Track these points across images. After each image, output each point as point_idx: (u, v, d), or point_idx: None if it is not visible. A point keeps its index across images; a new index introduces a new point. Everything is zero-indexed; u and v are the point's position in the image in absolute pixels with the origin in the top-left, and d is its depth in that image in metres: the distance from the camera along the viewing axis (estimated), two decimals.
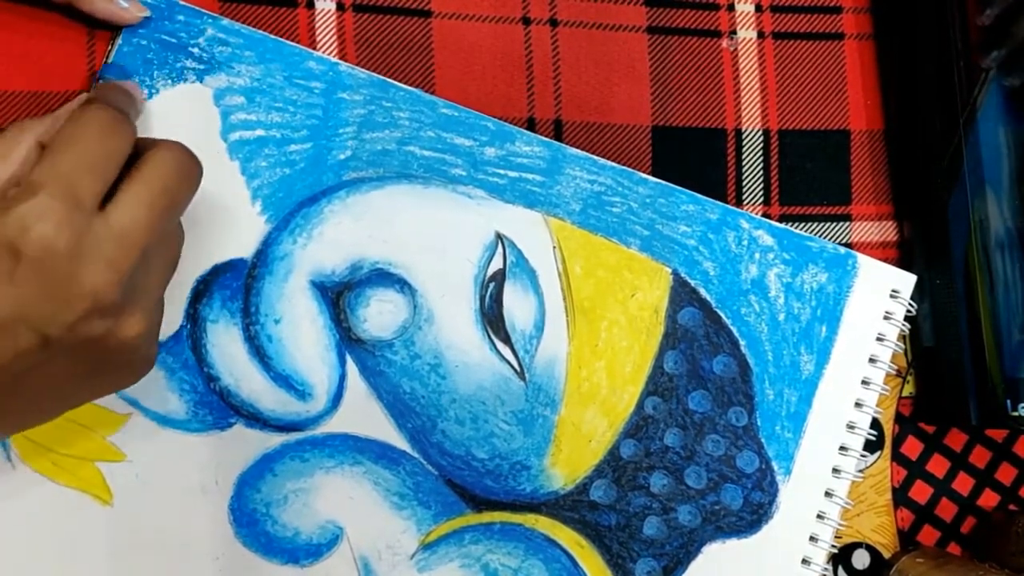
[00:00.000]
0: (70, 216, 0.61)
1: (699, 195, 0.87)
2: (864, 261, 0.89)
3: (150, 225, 0.64)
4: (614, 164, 0.86)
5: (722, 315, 0.87)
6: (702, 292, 0.87)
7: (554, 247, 0.85)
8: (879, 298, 0.89)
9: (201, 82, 0.80)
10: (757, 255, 0.88)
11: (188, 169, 0.68)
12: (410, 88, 0.84)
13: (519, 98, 0.89)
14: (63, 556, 0.78)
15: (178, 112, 0.80)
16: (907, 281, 0.90)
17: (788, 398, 0.87)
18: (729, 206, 0.88)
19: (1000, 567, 0.89)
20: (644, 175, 0.87)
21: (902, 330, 0.90)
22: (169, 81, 0.80)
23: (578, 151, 0.86)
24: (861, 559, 0.93)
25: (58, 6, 0.78)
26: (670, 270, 0.86)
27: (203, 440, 0.80)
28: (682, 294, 0.86)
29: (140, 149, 0.67)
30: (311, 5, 0.85)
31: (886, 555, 0.94)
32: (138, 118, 0.76)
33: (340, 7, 0.85)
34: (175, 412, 0.79)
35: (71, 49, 0.79)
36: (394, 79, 0.84)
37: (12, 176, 0.65)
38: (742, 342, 0.87)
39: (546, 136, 0.88)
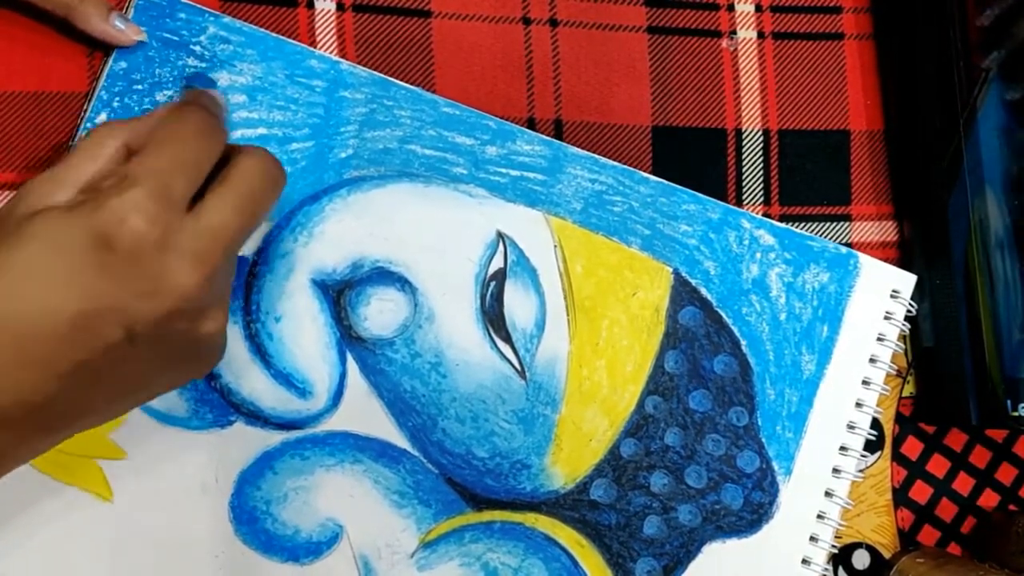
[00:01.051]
0: (163, 212, 0.61)
1: (700, 194, 0.88)
2: (865, 261, 0.89)
3: (237, 228, 0.65)
4: (615, 163, 0.86)
5: (723, 314, 0.87)
6: (703, 291, 0.87)
7: (555, 246, 0.85)
8: (880, 298, 0.89)
9: (203, 80, 0.80)
10: (758, 255, 0.88)
11: (274, 176, 0.68)
12: (411, 87, 0.84)
13: (519, 98, 0.89)
14: (63, 553, 0.77)
15: None
16: (907, 281, 0.90)
17: (789, 398, 0.87)
18: (730, 205, 0.88)
19: (1000, 567, 0.89)
20: (645, 174, 0.87)
21: (902, 330, 0.90)
22: (171, 79, 0.80)
23: (579, 150, 0.86)
24: (861, 559, 0.93)
25: (57, 20, 0.78)
26: (671, 269, 0.86)
27: (203, 438, 0.80)
28: (683, 293, 0.87)
29: (228, 155, 0.68)
30: (311, 5, 0.85)
31: (886, 555, 0.94)
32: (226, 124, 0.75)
33: (340, 7, 0.86)
34: (175, 410, 0.79)
35: (72, 50, 0.79)
36: (394, 79, 0.84)
37: (100, 171, 0.65)
38: (743, 342, 0.87)
39: (546, 136, 0.87)
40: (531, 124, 0.88)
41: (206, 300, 0.64)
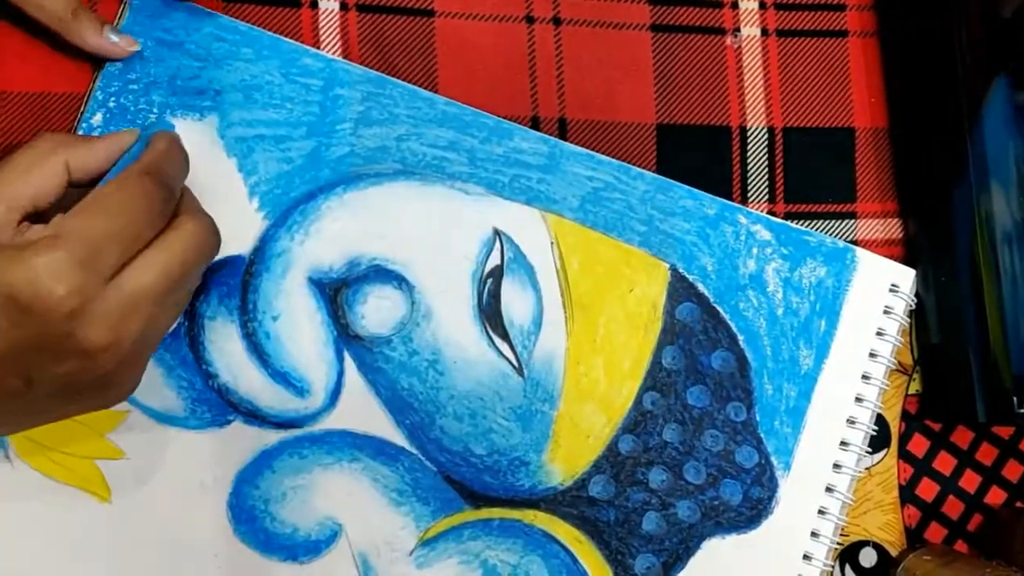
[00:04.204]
0: (84, 282, 0.61)
1: (697, 190, 0.87)
2: (863, 255, 0.89)
3: (159, 297, 0.65)
4: (612, 159, 0.86)
5: (720, 310, 0.87)
6: (700, 287, 0.87)
7: (552, 243, 0.85)
8: (879, 293, 0.89)
9: (198, 80, 0.80)
10: (755, 250, 0.88)
11: (209, 244, 0.69)
12: (408, 84, 0.84)
13: (523, 97, 0.89)
14: (62, 554, 0.78)
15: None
16: (906, 276, 0.89)
17: (787, 393, 0.87)
18: (727, 201, 0.88)
19: (1007, 564, 0.89)
20: (642, 170, 0.87)
21: (903, 325, 0.89)
22: (166, 79, 0.80)
23: (576, 147, 0.86)
24: (868, 557, 0.93)
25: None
26: (668, 265, 0.86)
27: (201, 437, 0.80)
28: (680, 289, 0.86)
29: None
30: (315, 5, 0.85)
31: (893, 553, 0.93)
32: (183, 181, 0.75)
33: (343, 7, 0.86)
34: (173, 409, 0.79)
35: (74, 50, 0.79)
36: (398, 78, 0.84)
37: (32, 199, 0.66)
38: (740, 337, 0.87)
39: (550, 135, 0.87)
40: (535, 123, 0.88)
41: (117, 362, 0.65)
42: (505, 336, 0.83)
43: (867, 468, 0.92)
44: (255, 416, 0.80)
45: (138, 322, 0.64)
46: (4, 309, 0.60)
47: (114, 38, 0.78)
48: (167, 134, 0.72)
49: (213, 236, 0.69)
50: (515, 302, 0.84)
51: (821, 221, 0.94)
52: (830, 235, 0.91)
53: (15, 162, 0.66)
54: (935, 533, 0.95)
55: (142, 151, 0.70)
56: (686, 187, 0.87)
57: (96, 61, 0.80)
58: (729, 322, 0.87)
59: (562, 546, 0.84)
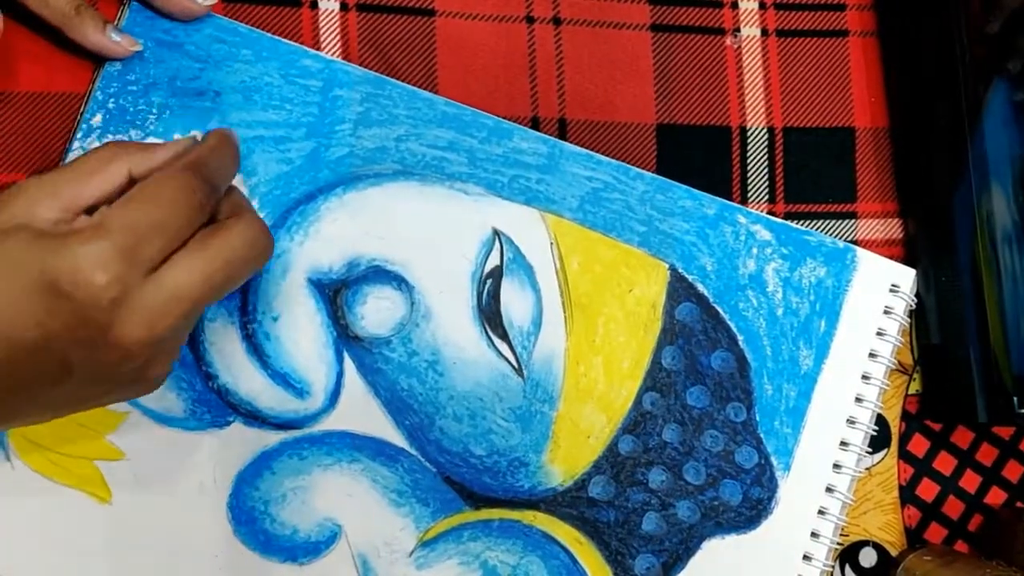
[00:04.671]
0: (125, 272, 0.61)
1: (696, 190, 0.87)
2: (863, 255, 0.89)
3: (200, 296, 0.65)
4: (611, 160, 0.86)
5: (720, 310, 0.87)
6: (700, 287, 0.87)
7: (551, 243, 0.85)
8: (879, 293, 0.89)
9: (198, 81, 0.80)
10: (755, 250, 0.87)
11: (259, 250, 0.69)
12: (407, 85, 0.84)
13: (523, 97, 0.89)
14: (62, 555, 0.78)
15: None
16: (907, 275, 0.89)
17: (787, 393, 0.87)
18: (726, 201, 0.88)
19: (1007, 564, 0.89)
20: (641, 170, 0.87)
21: (903, 325, 0.89)
22: (165, 80, 0.80)
23: (576, 147, 0.86)
24: (868, 557, 0.93)
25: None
26: (667, 265, 0.86)
27: (201, 438, 0.80)
28: (680, 289, 0.86)
29: (224, 211, 0.69)
30: (315, 5, 0.85)
31: (893, 553, 0.93)
32: (231, 180, 0.75)
33: (344, 7, 0.86)
34: (173, 410, 0.79)
35: (74, 49, 0.79)
36: (397, 79, 0.85)
37: (91, 200, 0.65)
38: (740, 337, 0.87)
39: (550, 135, 0.87)
40: (535, 123, 0.88)
41: (151, 355, 0.65)
42: (504, 336, 0.83)
43: (867, 468, 0.92)
44: (255, 417, 0.80)
45: (174, 320, 0.63)
46: (46, 295, 0.60)
47: (116, 37, 0.78)
48: (220, 131, 0.72)
49: (262, 240, 0.69)
50: (514, 302, 0.84)
51: (821, 221, 0.94)
52: (830, 235, 0.91)
53: (80, 166, 0.66)
54: (935, 533, 0.95)
55: None
56: (685, 187, 0.87)
57: (96, 61, 0.80)
58: (729, 322, 0.87)
59: (562, 547, 0.84)
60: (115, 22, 0.80)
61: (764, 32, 0.94)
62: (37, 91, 0.79)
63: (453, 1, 0.88)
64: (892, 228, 0.95)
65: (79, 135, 0.78)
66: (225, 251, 0.65)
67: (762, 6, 0.94)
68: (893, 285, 0.89)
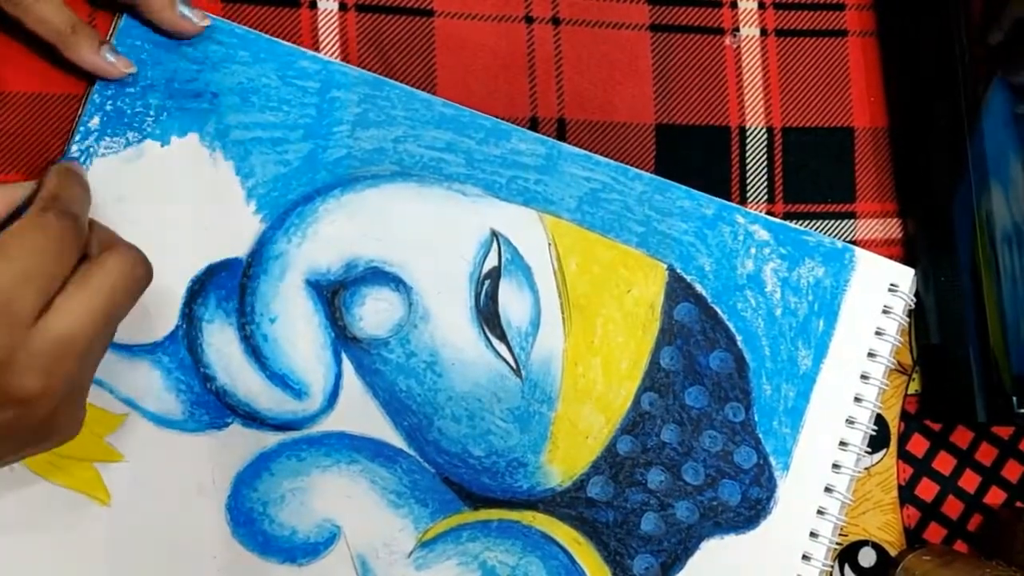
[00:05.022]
0: (5, 331, 0.61)
1: (694, 191, 0.87)
2: (861, 255, 0.89)
3: (90, 335, 0.64)
4: (609, 160, 0.86)
5: (718, 310, 0.87)
6: (698, 287, 0.87)
7: (549, 244, 0.85)
8: (877, 292, 0.89)
9: (195, 82, 0.80)
10: (753, 250, 0.87)
11: (137, 279, 0.68)
12: (404, 86, 0.84)
13: (522, 97, 0.89)
14: (61, 557, 0.78)
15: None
16: (905, 275, 0.89)
17: (785, 393, 0.87)
18: (724, 201, 0.88)
19: (1007, 564, 0.89)
20: (639, 171, 0.87)
21: (902, 324, 0.89)
22: (163, 82, 0.80)
23: (574, 148, 0.86)
24: (867, 557, 0.93)
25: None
26: (666, 266, 0.86)
27: (200, 440, 0.80)
28: (678, 290, 0.86)
29: (95, 247, 0.68)
30: (314, 5, 0.85)
31: (892, 553, 0.93)
32: (88, 211, 0.74)
33: (342, 7, 0.86)
34: (172, 412, 0.79)
35: None
36: (396, 79, 0.85)
37: None
38: (739, 337, 0.87)
39: (549, 135, 0.88)
40: (534, 123, 0.88)
41: (53, 402, 0.64)
42: (503, 337, 0.83)
43: (866, 468, 0.92)
44: (253, 418, 0.80)
45: (70, 365, 0.63)
46: None
47: (111, 58, 0.78)
48: (60, 165, 0.73)
49: (139, 267, 0.68)
50: (513, 303, 0.84)
51: (820, 221, 0.94)
52: (829, 235, 0.91)
53: None
54: (934, 533, 0.95)
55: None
56: (683, 187, 0.87)
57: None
58: (727, 322, 0.87)
59: (561, 547, 0.84)
60: (112, 24, 0.80)
61: (763, 32, 0.94)
62: (35, 92, 0.79)
63: (452, 1, 0.88)
64: (891, 228, 0.95)
65: (77, 137, 0.78)
66: (105, 286, 0.65)
67: (761, 6, 0.94)
68: (892, 285, 0.89)
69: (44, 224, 0.65)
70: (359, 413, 0.82)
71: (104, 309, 0.64)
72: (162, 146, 0.79)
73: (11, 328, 0.61)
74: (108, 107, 0.79)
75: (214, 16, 0.81)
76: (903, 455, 0.95)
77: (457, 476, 0.83)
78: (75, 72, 0.79)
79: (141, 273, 0.68)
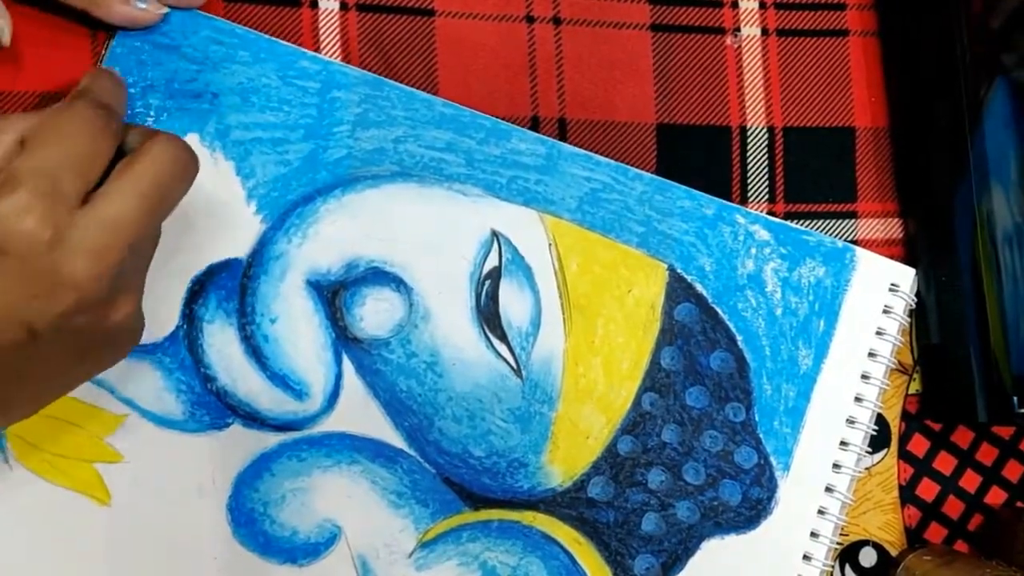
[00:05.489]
0: (52, 211, 0.61)
1: (695, 191, 0.87)
2: (862, 255, 0.89)
3: (139, 220, 0.64)
4: (609, 160, 0.86)
5: (719, 310, 0.87)
6: (698, 288, 0.87)
7: (550, 244, 0.84)
8: (878, 292, 0.89)
9: (195, 83, 0.80)
10: (753, 250, 0.87)
11: (183, 165, 0.68)
12: (405, 86, 0.84)
13: (523, 97, 0.89)
14: (61, 557, 0.78)
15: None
16: (906, 275, 0.89)
17: (786, 393, 0.87)
18: (725, 201, 0.88)
19: (1007, 564, 0.89)
20: (639, 171, 0.87)
21: (903, 324, 0.89)
22: (163, 82, 0.80)
23: (574, 148, 0.86)
24: (868, 557, 0.93)
25: (72, 12, 0.78)
26: (666, 266, 0.86)
27: (200, 440, 0.80)
28: (678, 290, 0.86)
29: (136, 140, 0.68)
30: (315, 5, 0.85)
31: (893, 553, 0.93)
32: (125, 106, 0.76)
33: (343, 7, 0.86)
34: (172, 412, 0.79)
35: (74, 48, 0.80)
36: (397, 78, 0.85)
37: None
38: (739, 337, 0.87)
39: (550, 135, 0.88)
40: (535, 123, 0.88)
41: (110, 291, 0.64)
42: (503, 337, 0.83)
43: (867, 468, 0.92)
44: (254, 419, 0.80)
45: (120, 249, 0.63)
46: None
47: (141, 4, 0.78)
48: (94, 68, 0.74)
49: (183, 153, 0.68)
50: (513, 303, 0.84)
51: (821, 221, 0.94)
52: (830, 235, 0.91)
53: None
54: (935, 533, 0.95)
55: None
56: (684, 187, 0.87)
57: (98, 59, 0.80)
58: (728, 322, 0.87)
59: (561, 547, 0.84)
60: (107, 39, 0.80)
61: (764, 32, 0.94)
62: (36, 91, 0.79)
63: (453, 1, 0.88)
64: (892, 228, 0.95)
65: None
66: (149, 171, 0.65)
67: (762, 5, 0.94)
68: (892, 284, 0.89)
69: (78, 111, 0.65)
70: (360, 413, 0.82)
71: (151, 194, 0.65)
72: None
73: (58, 207, 0.61)
74: None
75: (215, 16, 0.81)
76: (904, 455, 0.95)
77: (458, 476, 0.83)
78: (75, 71, 0.79)
79: (186, 159, 0.68)
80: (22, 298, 0.61)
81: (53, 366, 0.66)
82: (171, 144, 0.67)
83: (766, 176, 0.93)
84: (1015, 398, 0.87)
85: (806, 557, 0.86)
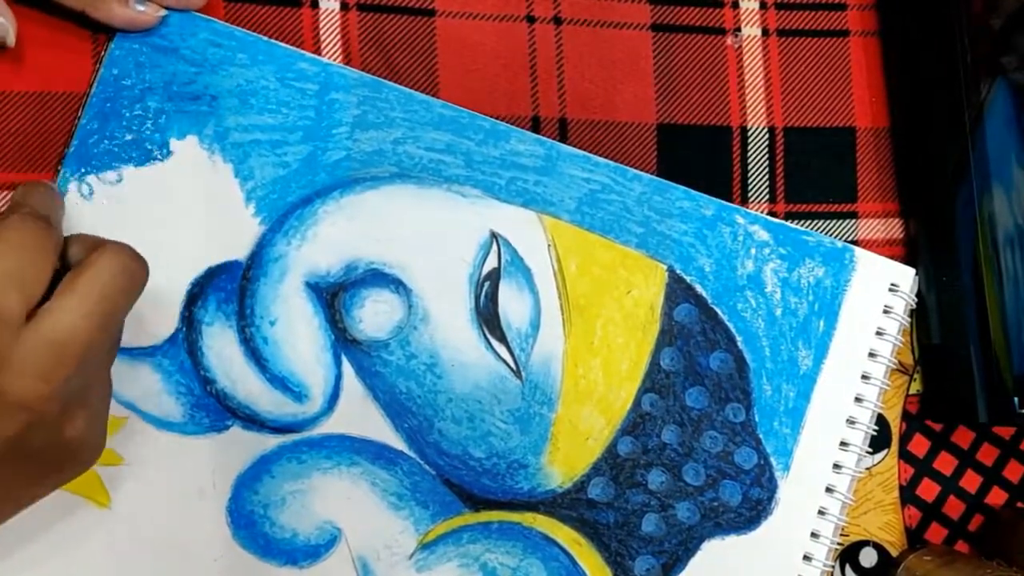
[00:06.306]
0: None
1: (694, 191, 0.87)
2: (862, 255, 0.89)
3: (87, 336, 0.62)
4: (608, 161, 0.86)
5: (718, 311, 0.87)
6: (698, 288, 0.86)
7: (549, 245, 0.84)
8: (878, 292, 0.89)
9: (194, 85, 0.80)
10: (753, 250, 0.87)
11: (130, 275, 0.66)
12: (403, 88, 0.84)
13: (523, 97, 0.89)
14: (61, 560, 0.78)
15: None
16: (906, 275, 0.89)
17: (786, 394, 0.87)
18: (724, 201, 0.88)
19: (1008, 565, 0.89)
20: (638, 172, 0.87)
21: (903, 324, 0.89)
22: (161, 84, 0.80)
23: (573, 149, 0.86)
24: (868, 557, 0.93)
25: (72, 13, 0.78)
26: (665, 267, 0.86)
27: (200, 442, 0.80)
28: (678, 291, 0.86)
29: (79, 252, 0.67)
30: (315, 5, 0.85)
31: (893, 553, 0.93)
32: (62, 218, 0.75)
33: (344, 7, 0.86)
34: (172, 415, 0.79)
35: (75, 49, 0.79)
36: (398, 78, 0.85)
37: None
38: (739, 338, 0.87)
39: (551, 135, 0.88)
40: (535, 123, 0.88)
41: (63, 407, 0.63)
42: (503, 339, 0.83)
43: (867, 468, 0.92)
44: (253, 421, 0.80)
45: (68, 367, 0.61)
46: None
47: (140, 7, 0.78)
48: (27, 183, 0.73)
49: (132, 264, 0.66)
50: (512, 305, 0.84)
51: (822, 221, 0.94)
52: (831, 235, 0.91)
53: None
54: (936, 533, 0.95)
55: None
56: (683, 188, 0.87)
57: (98, 60, 0.80)
58: (727, 323, 0.87)
59: (562, 548, 0.84)
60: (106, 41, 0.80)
61: (765, 32, 0.94)
62: (36, 91, 0.79)
63: (454, 1, 0.88)
64: (893, 228, 0.95)
65: (76, 142, 0.78)
66: (97, 284, 0.63)
67: (763, 6, 0.94)
68: (892, 284, 0.89)
69: (10, 224, 0.63)
70: (359, 415, 0.82)
71: (98, 308, 0.63)
72: (160, 149, 0.79)
73: (2, 330, 0.60)
74: (107, 109, 0.79)
75: (213, 19, 0.81)
76: (904, 455, 0.94)
77: (458, 478, 0.83)
78: (75, 71, 0.79)
79: (134, 269, 0.66)
80: None
81: (8, 487, 0.66)
82: (118, 255, 0.65)
83: (767, 176, 0.93)
84: (1016, 398, 0.87)
85: (806, 557, 0.86)
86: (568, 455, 0.84)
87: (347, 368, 0.82)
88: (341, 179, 0.82)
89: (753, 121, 0.93)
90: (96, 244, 0.67)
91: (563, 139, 0.88)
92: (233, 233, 0.80)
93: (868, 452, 0.89)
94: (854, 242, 0.92)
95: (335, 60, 0.84)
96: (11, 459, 0.63)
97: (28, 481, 0.67)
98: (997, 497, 0.96)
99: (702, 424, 0.86)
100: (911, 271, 0.89)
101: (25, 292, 0.61)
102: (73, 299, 0.62)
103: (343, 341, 0.82)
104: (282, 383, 0.81)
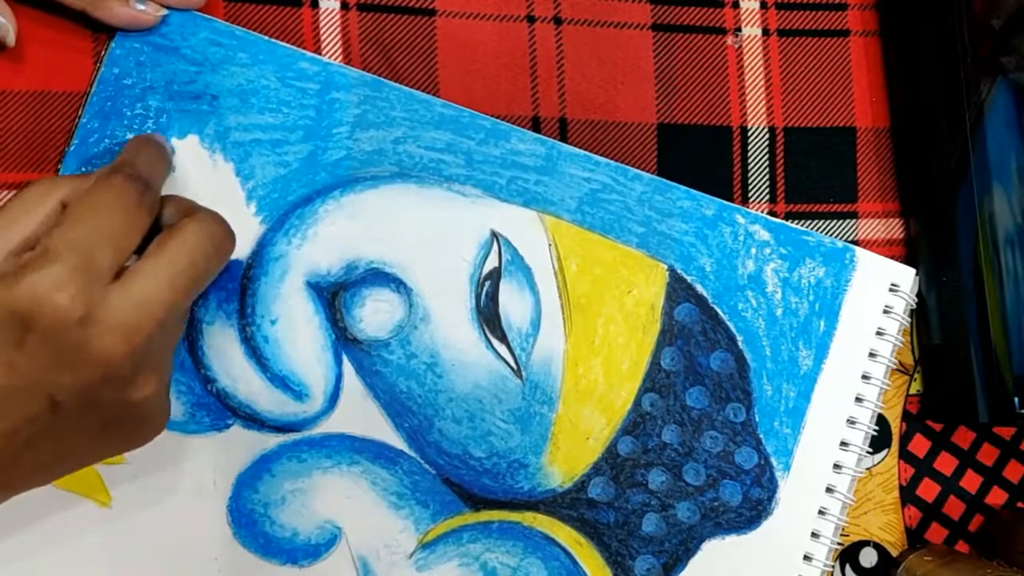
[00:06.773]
0: (85, 287, 0.61)
1: (694, 191, 0.87)
2: (862, 255, 0.89)
3: (170, 300, 0.64)
4: (609, 161, 0.86)
5: (719, 311, 0.87)
6: (698, 288, 0.86)
7: (549, 245, 0.84)
8: (878, 292, 0.89)
9: (194, 84, 0.80)
10: (753, 250, 0.87)
11: (218, 243, 0.68)
12: (404, 87, 0.84)
13: (523, 97, 0.89)
14: (62, 559, 0.78)
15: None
16: (906, 275, 0.89)
17: (786, 393, 0.87)
18: (725, 201, 0.88)
19: (1008, 565, 0.89)
20: (639, 171, 0.87)
21: (903, 324, 0.89)
22: (162, 84, 0.80)
23: (574, 148, 0.86)
24: (868, 557, 0.93)
25: (72, 13, 0.78)
26: (666, 266, 0.86)
27: (201, 441, 0.80)
28: (678, 290, 0.86)
29: (173, 215, 0.69)
30: (315, 4, 0.85)
31: (894, 553, 0.93)
32: (167, 176, 0.76)
33: (344, 6, 0.86)
34: (173, 414, 0.79)
35: (75, 48, 0.80)
36: (398, 78, 0.85)
37: (31, 235, 0.65)
38: (739, 338, 0.87)
39: (551, 135, 0.88)
40: (535, 123, 0.88)
41: (136, 368, 0.64)
42: (503, 338, 0.83)
43: (868, 468, 0.92)
44: (254, 420, 0.80)
45: (149, 328, 0.63)
46: (13, 332, 0.60)
47: (141, 6, 0.78)
48: (139, 136, 0.74)
49: (219, 232, 0.69)
50: (513, 304, 0.84)
51: (822, 221, 0.94)
52: (831, 235, 0.91)
53: (11, 208, 0.65)
54: (936, 533, 0.95)
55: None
56: (683, 188, 0.87)
57: (98, 59, 0.80)
58: (728, 323, 0.87)
59: (562, 548, 0.84)
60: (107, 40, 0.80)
61: (765, 32, 0.94)
62: (36, 91, 0.79)
63: (454, 1, 0.88)
64: (893, 228, 0.95)
65: (76, 141, 0.78)
66: (184, 250, 0.65)
67: (763, 5, 0.94)
68: (893, 284, 0.89)
69: (115, 185, 0.65)
70: (360, 414, 0.82)
71: (184, 274, 0.65)
72: None
73: (91, 284, 0.61)
74: (107, 108, 0.79)
75: (214, 18, 0.81)
76: (904, 455, 0.94)
77: (458, 477, 0.83)
78: (75, 71, 0.79)
79: (221, 237, 0.69)
80: (47, 370, 0.61)
81: (69, 440, 0.66)
82: (208, 222, 0.68)
83: (767, 176, 0.93)
84: (1016, 398, 0.87)
85: (807, 557, 0.86)
86: (568, 455, 0.84)
87: (347, 367, 0.82)
88: (342, 178, 0.82)
89: (753, 121, 0.93)
90: (190, 209, 0.69)
91: (563, 139, 0.88)
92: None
93: (868, 452, 0.89)
94: (854, 242, 0.92)
95: (335, 59, 0.84)
96: (78, 410, 0.63)
97: (90, 436, 0.67)
98: (997, 497, 0.96)
99: (702, 424, 0.86)
100: (911, 271, 0.89)
101: (118, 250, 0.63)
102: (161, 263, 0.64)
103: (344, 340, 0.82)
104: (283, 382, 0.81)
